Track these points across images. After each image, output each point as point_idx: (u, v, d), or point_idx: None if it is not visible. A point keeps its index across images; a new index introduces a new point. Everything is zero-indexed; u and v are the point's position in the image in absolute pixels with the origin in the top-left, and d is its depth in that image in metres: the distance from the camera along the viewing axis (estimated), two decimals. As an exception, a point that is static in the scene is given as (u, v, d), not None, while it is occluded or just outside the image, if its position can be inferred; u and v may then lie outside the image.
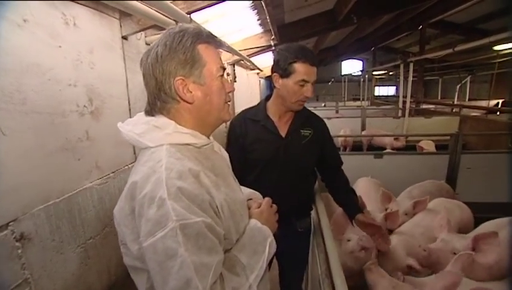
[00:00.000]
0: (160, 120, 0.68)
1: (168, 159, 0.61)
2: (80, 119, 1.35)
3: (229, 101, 0.76)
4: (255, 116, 1.22)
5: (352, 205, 1.31)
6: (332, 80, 12.48)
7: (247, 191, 0.88)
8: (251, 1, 2.50)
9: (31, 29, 1.06)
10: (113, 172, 1.61)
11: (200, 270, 0.53)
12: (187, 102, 0.67)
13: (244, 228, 0.71)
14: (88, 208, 1.41)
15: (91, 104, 1.42)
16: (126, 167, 1.74)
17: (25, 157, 1.05)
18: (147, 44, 1.95)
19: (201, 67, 0.66)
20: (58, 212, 1.22)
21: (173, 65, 0.64)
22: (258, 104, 1.29)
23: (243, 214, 0.73)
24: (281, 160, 1.19)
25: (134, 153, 1.84)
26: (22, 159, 1.04)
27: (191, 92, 0.66)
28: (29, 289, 1.04)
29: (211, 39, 0.68)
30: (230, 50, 3.14)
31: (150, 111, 0.69)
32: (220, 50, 0.71)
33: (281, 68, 1.12)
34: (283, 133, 1.20)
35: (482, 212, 2.17)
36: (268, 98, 1.26)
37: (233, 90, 0.76)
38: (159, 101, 0.67)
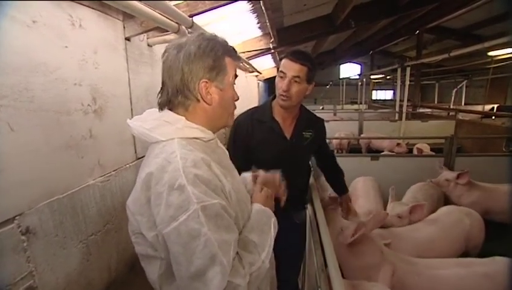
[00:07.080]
0: (171, 116, 0.72)
1: (181, 150, 0.65)
2: (84, 117, 1.38)
3: (235, 109, 0.82)
4: (262, 116, 1.27)
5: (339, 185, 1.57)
6: (331, 83, 12.54)
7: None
8: (251, 5, 2.55)
9: (39, 29, 1.10)
10: (114, 170, 1.64)
11: (222, 247, 0.58)
12: (206, 103, 0.72)
13: (248, 215, 0.77)
14: (90, 205, 1.44)
15: (95, 103, 1.45)
16: (127, 166, 1.77)
17: (31, 153, 1.08)
18: (149, 45, 1.99)
19: (224, 76, 0.73)
20: (62, 208, 1.24)
21: (202, 67, 0.70)
22: (264, 103, 1.33)
23: (247, 202, 0.80)
24: (285, 160, 1.23)
25: (136, 152, 1.87)
26: (28, 155, 1.07)
27: (211, 95, 0.72)
28: (33, 282, 1.07)
29: (233, 54, 0.77)
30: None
31: (167, 102, 0.73)
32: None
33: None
34: (288, 135, 1.26)
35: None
36: (274, 98, 1.31)
37: (238, 98, 0.83)
38: (180, 95, 0.71)
